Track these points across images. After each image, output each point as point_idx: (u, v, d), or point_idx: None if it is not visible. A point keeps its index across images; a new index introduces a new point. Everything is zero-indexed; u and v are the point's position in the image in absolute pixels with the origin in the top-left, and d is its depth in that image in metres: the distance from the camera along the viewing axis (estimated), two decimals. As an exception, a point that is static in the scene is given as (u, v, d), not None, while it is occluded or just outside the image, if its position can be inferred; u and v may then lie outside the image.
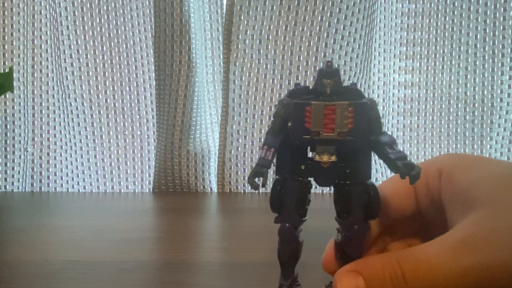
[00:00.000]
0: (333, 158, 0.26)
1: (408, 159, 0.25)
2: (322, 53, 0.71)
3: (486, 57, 0.76)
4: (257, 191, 0.74)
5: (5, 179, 0.80)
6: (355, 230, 0.27)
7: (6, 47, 0.78)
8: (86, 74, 0.77)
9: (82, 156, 0.79)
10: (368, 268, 0.25)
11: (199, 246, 0.47)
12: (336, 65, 0.72)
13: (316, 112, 0.26)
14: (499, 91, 0.77)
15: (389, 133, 0.80)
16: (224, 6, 0.75)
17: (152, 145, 0.80)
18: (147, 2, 0.78)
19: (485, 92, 0.77)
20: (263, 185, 0.26)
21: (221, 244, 0.49)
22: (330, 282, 0.29)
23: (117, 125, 0.79)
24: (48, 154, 0.81)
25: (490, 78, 0.77)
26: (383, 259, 0.25)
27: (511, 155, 0.78)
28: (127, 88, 0.79)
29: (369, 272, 0.25)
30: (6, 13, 0.78)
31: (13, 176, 0.80)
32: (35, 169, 0.81)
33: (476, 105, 0.77)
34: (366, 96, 0.27)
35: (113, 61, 0.78)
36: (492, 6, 0.75)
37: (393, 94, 0.80)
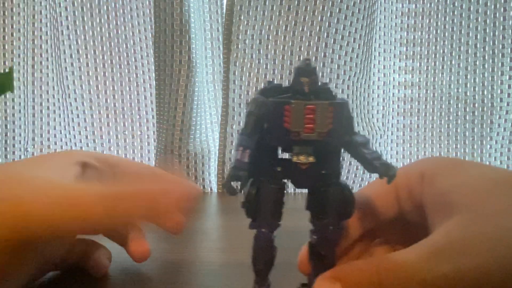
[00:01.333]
0: (311, 159, 0.25)
1: (384, 158, 0.25)
2: (322, 53, 0.71)
3: (486, 57, 0.76)
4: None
5: (5, 179, 0.80)
6: (330, 231, 0.27)
7: (6, 47, 0.78)
8: (86, 74, 0.77)
9: (82, 156, 0.79)
10: (346, 274, 0.25)
11: (199, 246, 0.47)
12: (336, 66, 0.72)
13: (296, 111, 0.24)
14: (499, 91, 0.77)
15: (389, 133, 0.81)
16: (224, 6, 0.75)
17: (152, 145, 0.80)
18: (147, 2, 0.78)
19: (485, 92, 0.77)
20: (241, 190, 0.24)
21: (221, 244, 0.49)
22: (301, 284, 0.29)
23: (117, 125, 0.79)
24: (48, 154, 0.81)
25: (490, 78, 0.77)
26: (362, 266, 0.25)
27: (511, 155, 0.78)
28: (127, 88, 0.79)
29: (348, 278, 0.25)
30: (6, 13, 0.78)
31: (13, 176, 0.80)
32: (35, 169, 0.81)
33: (476, 105, 0.77)
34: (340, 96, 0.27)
35: (113, 61, 0.78)
36: (492, 6, 0.75)
37: (393, 94, 0.80)
